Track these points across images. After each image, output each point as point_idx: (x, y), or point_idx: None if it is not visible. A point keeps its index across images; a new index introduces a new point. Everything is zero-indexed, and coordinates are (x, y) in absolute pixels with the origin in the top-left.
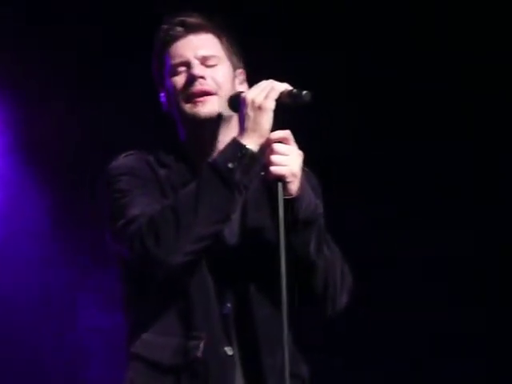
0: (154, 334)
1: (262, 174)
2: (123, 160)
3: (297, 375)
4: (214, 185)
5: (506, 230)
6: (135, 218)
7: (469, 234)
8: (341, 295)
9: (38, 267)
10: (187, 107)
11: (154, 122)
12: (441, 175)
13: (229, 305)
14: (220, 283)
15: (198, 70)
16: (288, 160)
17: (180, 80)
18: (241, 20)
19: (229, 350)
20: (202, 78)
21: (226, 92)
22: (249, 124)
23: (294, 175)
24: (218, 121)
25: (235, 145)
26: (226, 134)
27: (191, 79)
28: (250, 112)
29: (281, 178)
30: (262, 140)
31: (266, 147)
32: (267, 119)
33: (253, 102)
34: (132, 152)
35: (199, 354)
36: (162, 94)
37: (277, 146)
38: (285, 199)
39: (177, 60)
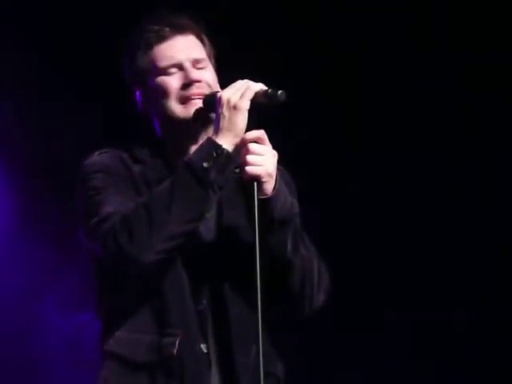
0: (128, 331)
1: (237, 172)
2: (97, 158)
3: (272, 374)
4: (188, 184)
5: (506, 229)
6: (109, 215)
7: (469, 234)
8: (318, 294)
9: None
10: (178, 108)
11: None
12: (441, 175)
13: (204, 302)
14: (195, 280)
15: (195, 74)
16: (263, 160)
17: (173, 81)
18: (214, 18)
19: (204, 348)
20: (199, 81)
21: None
22: (224, 123)
23: (269, 175)
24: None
25: (210, 144)
26: (207, 133)
27: (189, 83)
28: (225, 112)
29: (256, 178)
30: (237, 140)
31: (242, 147)
32: (242, 119)
33: (228, 101)
34: (106, 149)
35: (174, 351)
36: (139, 92)
37: (252, 146)
38: (260, 199)
39: (168, 61)
